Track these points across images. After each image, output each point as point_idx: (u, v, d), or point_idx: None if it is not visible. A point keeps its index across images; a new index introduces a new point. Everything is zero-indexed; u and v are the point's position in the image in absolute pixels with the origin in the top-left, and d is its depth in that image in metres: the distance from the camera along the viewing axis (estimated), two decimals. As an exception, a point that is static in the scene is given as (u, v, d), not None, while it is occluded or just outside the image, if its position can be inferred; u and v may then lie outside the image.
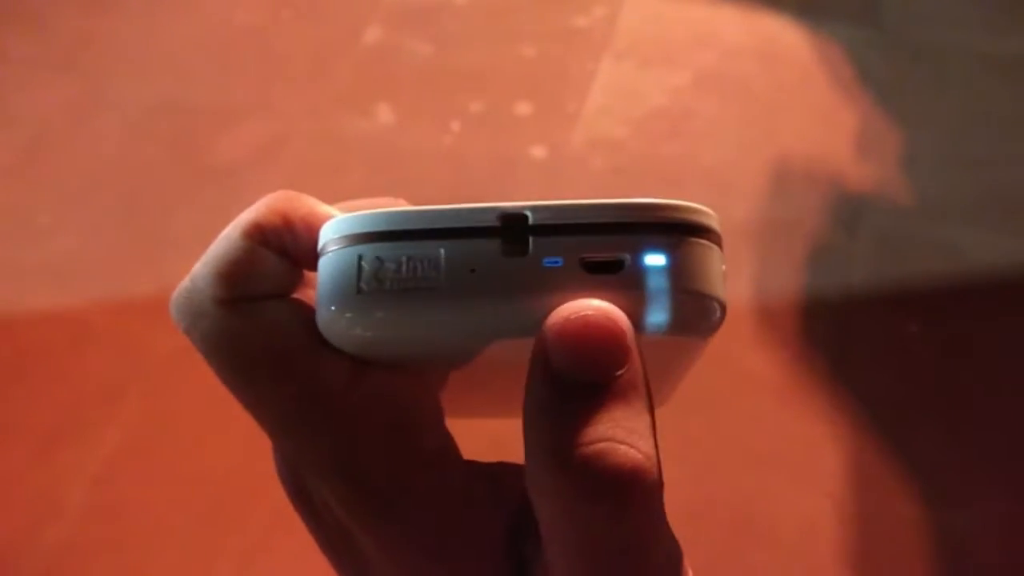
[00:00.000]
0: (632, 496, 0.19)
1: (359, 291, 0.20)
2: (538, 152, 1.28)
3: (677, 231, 0.20)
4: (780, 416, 1.00)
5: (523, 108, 1.33)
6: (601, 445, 0.19)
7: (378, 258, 0.20)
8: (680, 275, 0.20)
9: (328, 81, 1.38)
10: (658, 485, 0.20)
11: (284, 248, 0.22)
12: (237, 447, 0.93)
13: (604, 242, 0.20)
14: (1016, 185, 1.23)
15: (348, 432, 0.21)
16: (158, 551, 0.93)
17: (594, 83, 1.37)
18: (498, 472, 0.24)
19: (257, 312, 0.21)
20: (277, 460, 0.24)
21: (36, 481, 0.98)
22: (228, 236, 0.22)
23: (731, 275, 1.11)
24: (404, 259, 0.20)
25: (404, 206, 0.22)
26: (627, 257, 0.20)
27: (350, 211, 0.22)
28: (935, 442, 0.98)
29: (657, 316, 0.20)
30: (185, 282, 0.22)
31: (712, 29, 1.44)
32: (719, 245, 0.21)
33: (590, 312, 0.19)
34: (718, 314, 0.21)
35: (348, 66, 1.40)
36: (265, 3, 1.47)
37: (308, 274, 0.23)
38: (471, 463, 0.24)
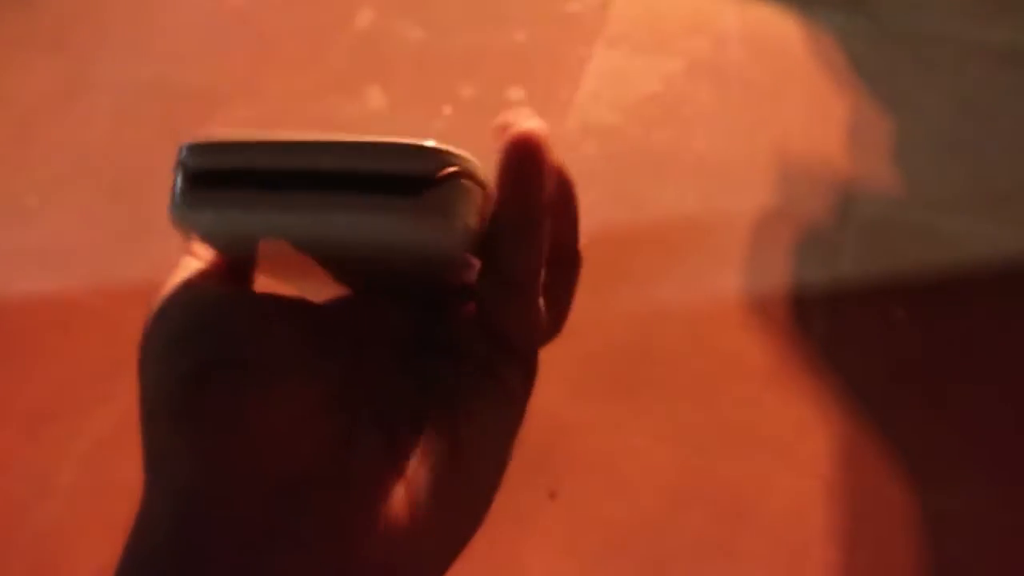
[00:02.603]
0: None
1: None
2: (530, 138, 1.28)
3: None
4: (769, 400, 1.01)
5: (515, 93, 1.33)
6: None
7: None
8: None
9: (319, 65, 1.37)
10: None
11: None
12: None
13: None
14: (1003, 174, 1.24)
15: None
16: (148, 531, 0.93)
17: (587, 69, 1.37)
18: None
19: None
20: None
21: (26, 460, 0.97)
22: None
23: (721, 261, 1.10)
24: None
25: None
26: None
27: None
28: (922, 425, 0.99)
29: None
30: None
31: (705, 16, 1.44)
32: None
33: None
34: None
35: (340, 50, 1.39)
36: (256, -15, 1.46)
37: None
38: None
